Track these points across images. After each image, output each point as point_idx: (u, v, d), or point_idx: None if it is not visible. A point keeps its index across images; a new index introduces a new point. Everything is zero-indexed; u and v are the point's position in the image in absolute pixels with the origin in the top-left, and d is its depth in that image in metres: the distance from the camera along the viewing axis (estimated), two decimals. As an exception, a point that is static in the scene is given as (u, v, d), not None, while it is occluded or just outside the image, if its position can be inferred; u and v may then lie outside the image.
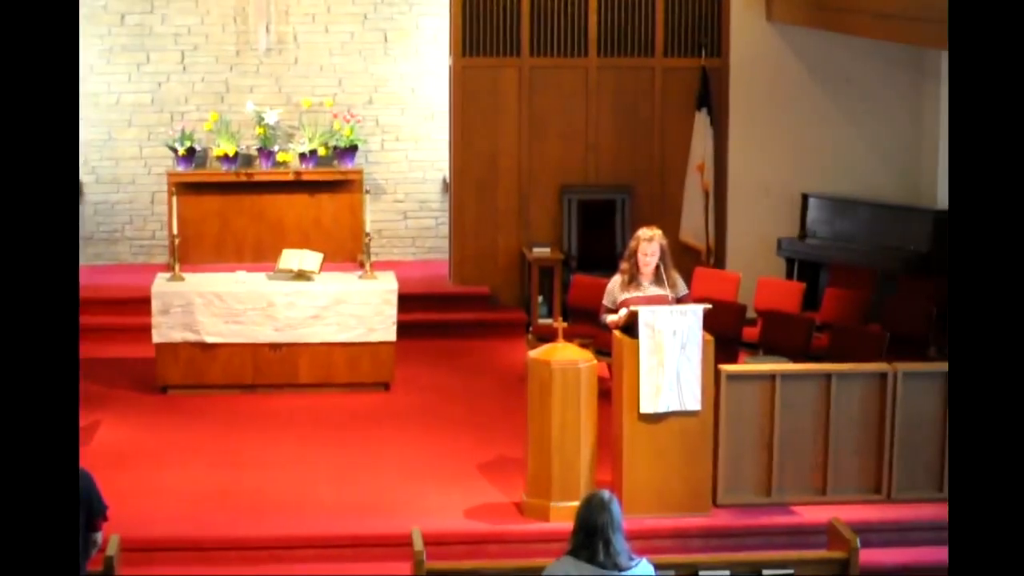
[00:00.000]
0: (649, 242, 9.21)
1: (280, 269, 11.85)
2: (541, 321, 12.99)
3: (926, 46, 12.32)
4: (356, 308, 11.56)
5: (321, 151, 14.48)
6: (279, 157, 14.50)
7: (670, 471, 8.92)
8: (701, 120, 13.57)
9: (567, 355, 8.90)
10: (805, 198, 13.70)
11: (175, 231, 12.16)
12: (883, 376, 9.25)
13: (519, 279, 13.83)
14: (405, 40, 14.94)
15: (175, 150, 14.39)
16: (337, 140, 14.55)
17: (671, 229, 12.45)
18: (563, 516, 8.40)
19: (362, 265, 12.10)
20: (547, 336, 10.16)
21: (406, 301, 12.08)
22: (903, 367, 9.32)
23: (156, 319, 11.43)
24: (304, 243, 13.66)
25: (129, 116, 14.75)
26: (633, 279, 9.24)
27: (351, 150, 14.56)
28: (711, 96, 13.58)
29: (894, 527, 8.97)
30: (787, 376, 9.26)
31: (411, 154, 15.05)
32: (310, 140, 14.56)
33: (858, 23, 11.95)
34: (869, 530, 8.53)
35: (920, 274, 12.38)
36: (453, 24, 13.74)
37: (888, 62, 13.63)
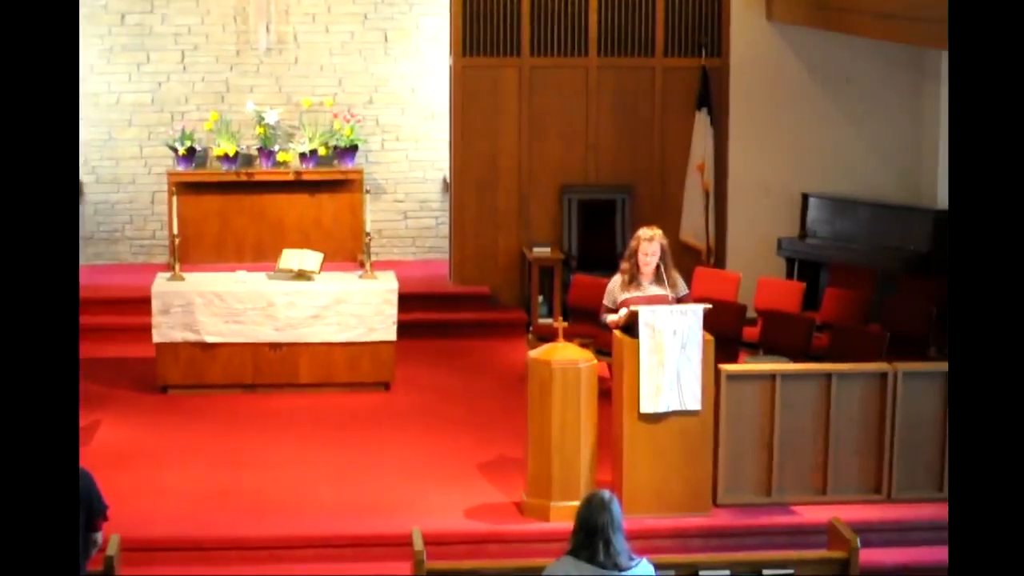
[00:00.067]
0: (649, 242, 9.21)
1: (280, 269, 11.85)
2: (541, 321, 12.98)
3: (926, 46, 12.32)
4: (356, 308, 11.56)
5: (321, 151, 14.49)
6: (279, 157, 14.50)
7: (670, 471, 8.92)
8: (701, 120, 13.58)
9: (567, 355, 8.90)
10: (805, 198, 13.71)
11: (175, 231, 12.16)
12: (883, 376, 9.25)
13: (519, 279, 13.83)
14: (405, 40, 14.94)
15: (175, 150, 14.39)
16: (337, 140, 14.55)
17: (671, 229, 12.45)
18: (563, 516, 8.40)
19: (362, 265, 12.10)
20: (547, 336, 10.15)
21: (406, 301, 12.08)
22: (903, 367, 9.32)
23: (156, 319, 11.43)
24: (304, 243, 13.66)
25: (129, 116, 14.76)
26: (633, 279, 9.25)
27: (351, 150, 14.56)
28: (711, 96, 13.58)
29: (894, 527, 8.97)
30: (787, 376, 9.26)
31: (411, 154, 15.06)
32: (310, 140, 14.56)
33: (858, 23, 11.95)
34: (869, 530, 8.53)
35: (920, 274, 12.38)
36: (453, 24, 13.74)
37: (888, 62, 13.63)
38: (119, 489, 8.63)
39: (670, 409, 8.86)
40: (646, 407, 8.84)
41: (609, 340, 9.30)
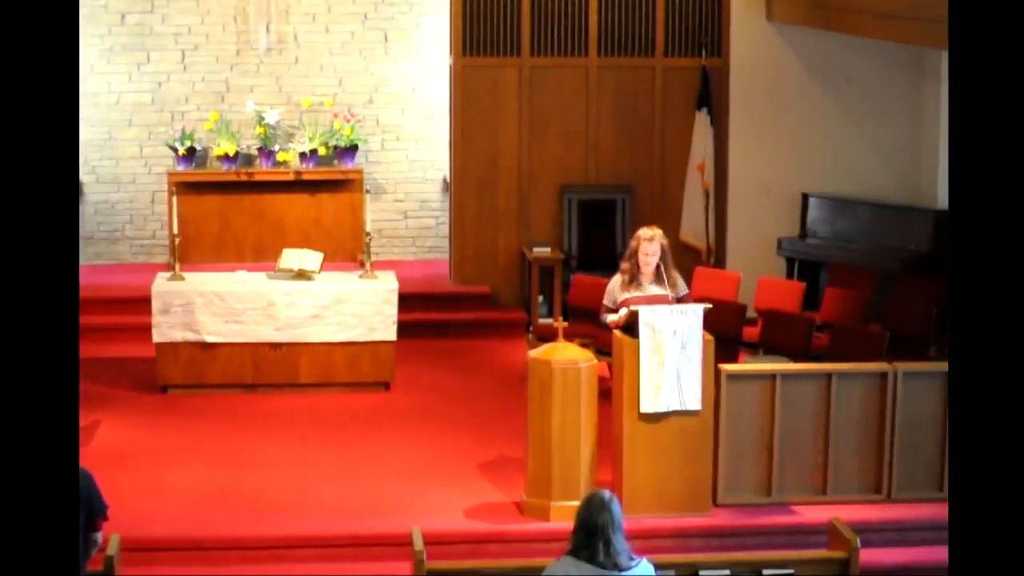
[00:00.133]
0: (650, 242, 9.21)
1: (280, 268, 11.85)
2: (541, 321, 12.98)
3: (926, 46, 12.32)
4: (356, 308, 11.56)
5: (321, 151, 14.49)
6: (279, 157, 14.50)
7: (670, 471, 8.92)
8: (701, 120, 13.57)
9: (567, 355, 8.90)
10: (805, 198, 13.71)
11: (175, 231, 12.16)
12: (883, 376, 9.25)
13: (519, 279, 13.83)
14: (405, 40, 14.94)
15: (175, 150, 14.39)
16: (337, 140, 14.55)
17: (671, 229, 12.44)
18: (563, 516, 8.40)
19: (362, 265, 12.10)
20: (547, 336, 10.16)
21: (406, 301, 12.08)
22: (903, 367, 9.32)
23: (156, 319, 11.43)
24: (304, 243, 13.66)
25: (129, 116, 14.76)
26: (633, 279, 9.24)
27: (351, 150, 14.56)
28: (711, 96, 13.58)
29: (894, 527, 8.97)
30: (787, 376, 9.26)
31: (411, 154, 15.06)
32: (310, 140, 14.56)
33: (858, 23, 11.95)
34: (869, 530, 8.53)
35: (920, 274, 12.38)
36: (453, 24, 13.74)
37: (888, 62, 13.63)
38: (119, 489, 8.63)
39: (670, 409, 8.86)
40: (646, 407, 8.84)
41: (609, 340, 9.30)
